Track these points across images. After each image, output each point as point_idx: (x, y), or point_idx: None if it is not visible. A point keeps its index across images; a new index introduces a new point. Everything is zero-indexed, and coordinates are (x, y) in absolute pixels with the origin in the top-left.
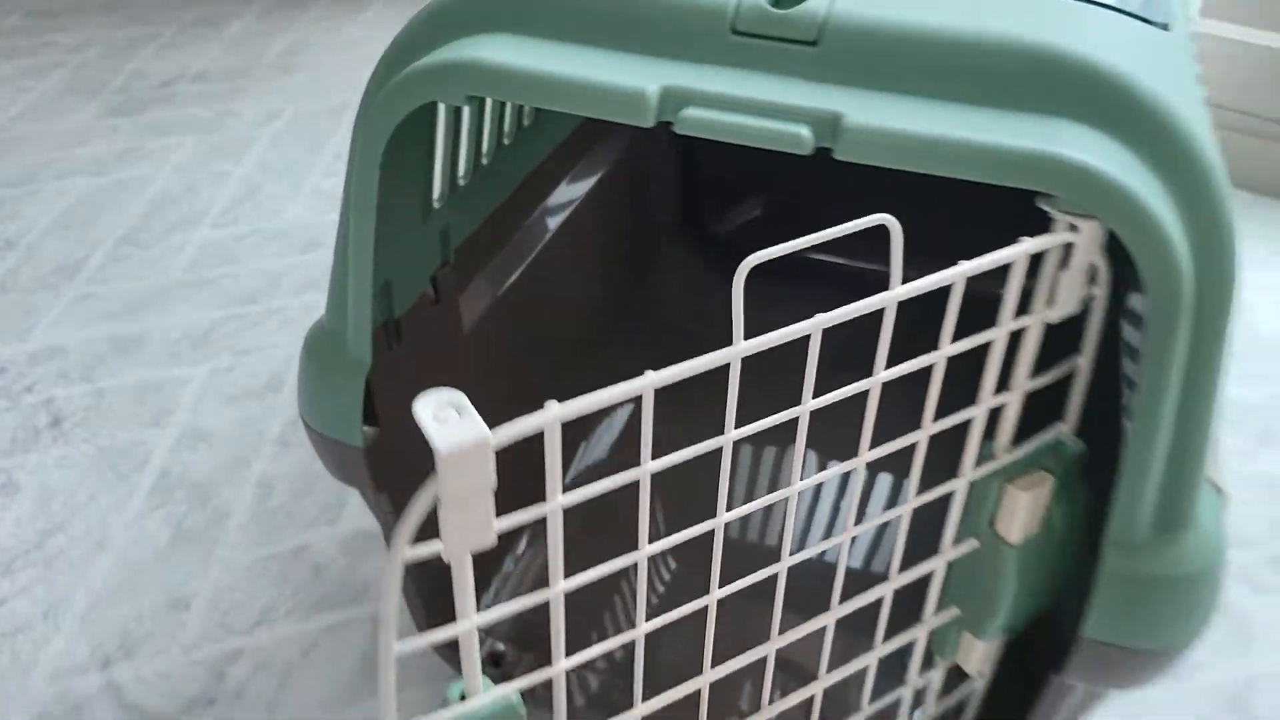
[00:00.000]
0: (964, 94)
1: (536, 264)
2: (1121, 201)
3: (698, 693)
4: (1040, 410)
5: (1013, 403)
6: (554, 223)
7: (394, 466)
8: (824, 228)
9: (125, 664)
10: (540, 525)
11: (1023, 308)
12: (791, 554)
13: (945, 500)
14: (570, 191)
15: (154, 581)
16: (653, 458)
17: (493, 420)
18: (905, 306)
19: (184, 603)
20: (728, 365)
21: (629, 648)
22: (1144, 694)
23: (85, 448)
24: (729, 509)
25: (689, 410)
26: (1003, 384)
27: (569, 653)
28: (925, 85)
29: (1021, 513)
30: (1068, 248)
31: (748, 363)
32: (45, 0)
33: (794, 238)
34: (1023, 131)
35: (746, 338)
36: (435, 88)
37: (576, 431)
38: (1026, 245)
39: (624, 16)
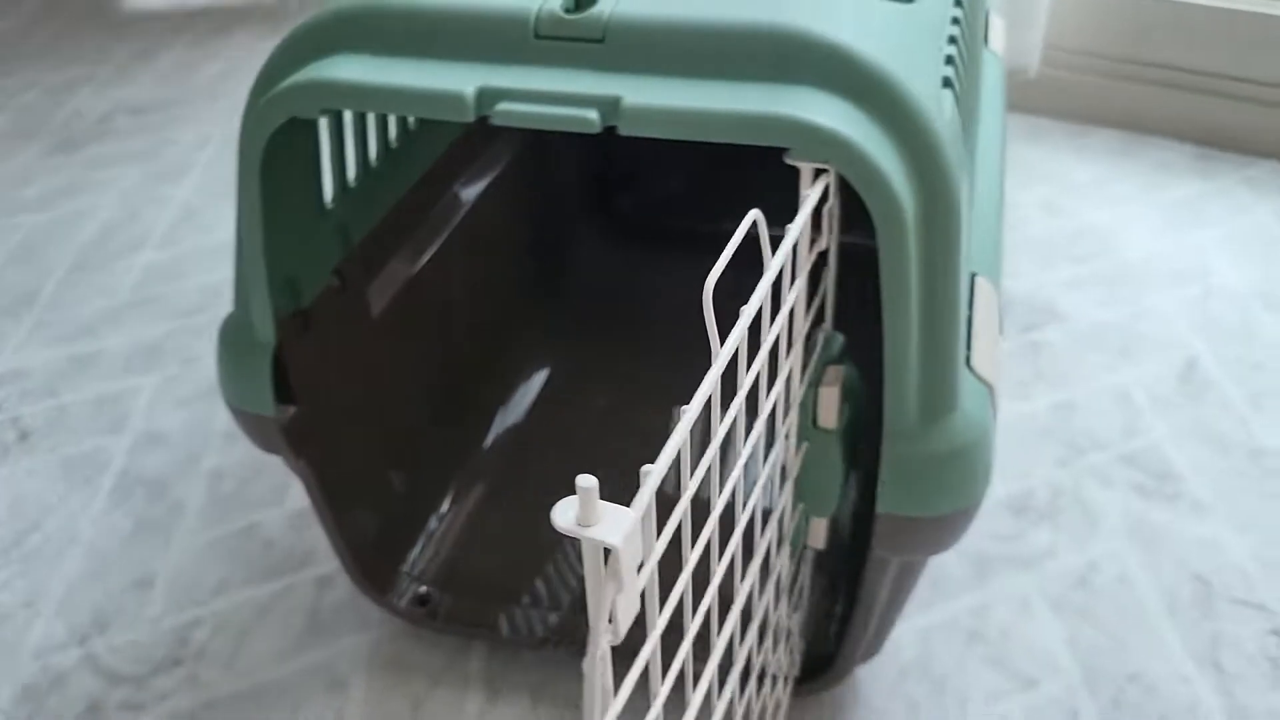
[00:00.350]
0: (724, 72)
1: (444, 251)
2: (844, 150)
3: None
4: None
5: (798, 322)
6: (459, 211)
7: (311, 437)
8: (719, 200)
9: (99, 638)
10: (461, 489)
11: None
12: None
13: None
14: (476, 180)
15: (121, 566)
16: (578, 426)
17: (407, 398)
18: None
19: (149, 582)
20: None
21: (557, 587)
22: (997, 583)
23: (51, 457)
24: (657, 469)
25: (614, 380)
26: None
27: (506, 595)
28: (693, 68)
29: (835, 402)
30: (825, 193)
31: (658, 336)
32: None
33: (697, 214)
34: (768, 99)
35: (650, 300)
36: (293, 105)
37: (495, 396)
38: (799, 220)
39: (447, 30)
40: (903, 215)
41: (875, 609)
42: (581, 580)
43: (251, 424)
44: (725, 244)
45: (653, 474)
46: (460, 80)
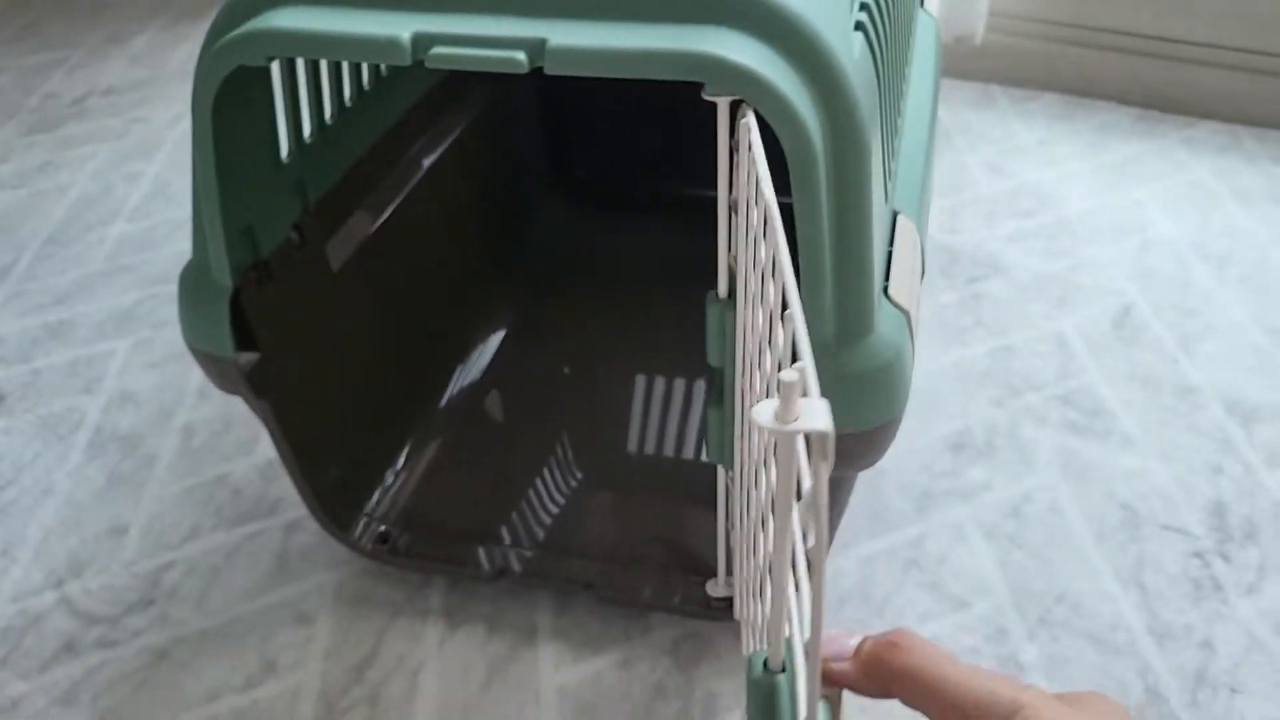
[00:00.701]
0: (644, 14)
1: (402, 211)
2: (753, 83)
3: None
4: None
5: (721, 254)
6: (418, 173)
7: (272, 381)
8: (676, 166)
9: (75, 582)
10: (417, 444)
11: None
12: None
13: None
14: (435, 144)
15: (95, 516)
16: (532, 384)
17: (366, 352)
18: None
19: (122, 529)
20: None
21: (550, 529)
22: (935, 515)
23: (27, 417)
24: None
25: (570, 342)
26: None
27: (462, 534)
28: (614, 11)
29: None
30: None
31: (616, 299)
32: None
33: (654, 179)
34: (684, 38)
35: (609, 263)
36: (240, 54)
37: (453, 356)
38: (724, 152)
39: None
40: (811, 144)
41: None
42: (553, 519)
43: (212, 366)
44: (684, 209)
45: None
46: (396, 26)
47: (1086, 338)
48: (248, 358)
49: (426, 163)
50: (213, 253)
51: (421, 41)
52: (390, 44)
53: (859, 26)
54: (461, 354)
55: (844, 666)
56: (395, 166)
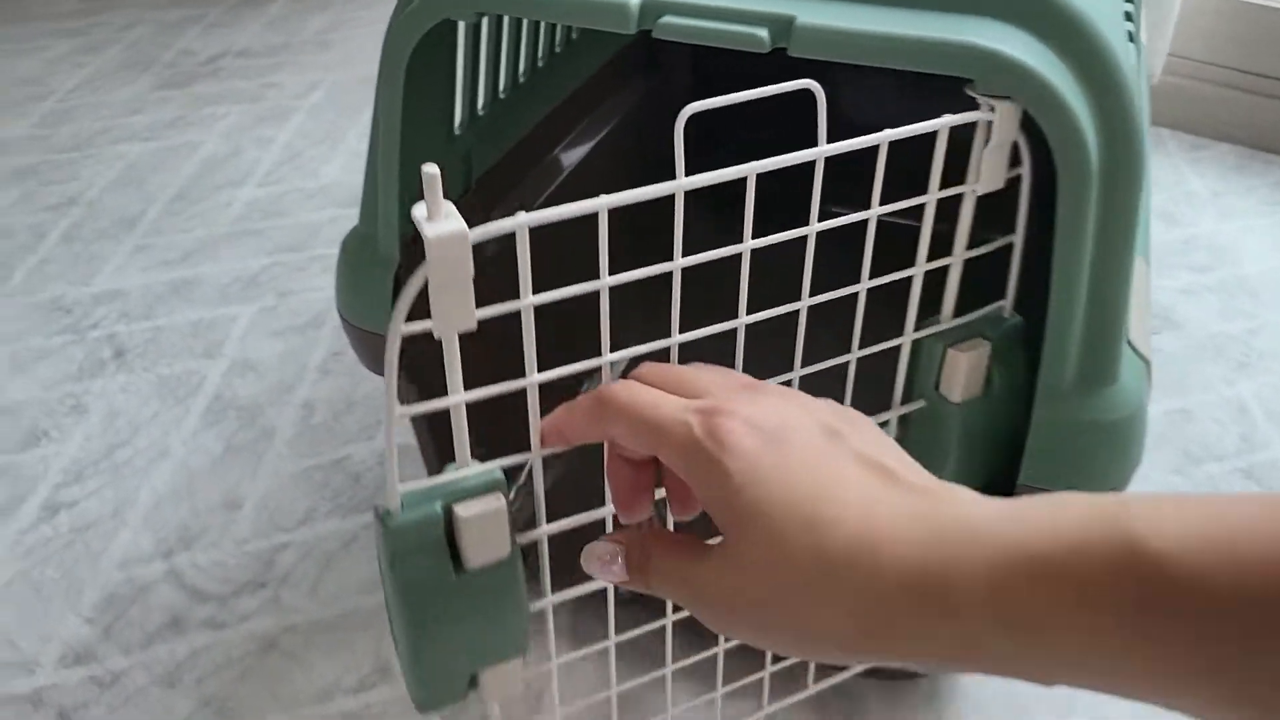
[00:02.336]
0: (903, 1)
1: (556, 198)
2: (1030, 82)
3: None
4: (985, 288)
5: (953, 271)
6: (573, 160)
7: (423, 362)
8: (822, 184)
9: (184, 554)
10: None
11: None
12: None
13: (894, 370)
14: (590, 131)
15: (209, 486)
16: (612, 348)
17: (510, 343)
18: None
19: (236, 504)
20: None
21: None
22: None
23: (146, 376)
24: None
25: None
26: (943, 258)
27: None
28: None
29: (962, 374)
30: (990, 128)
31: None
32: None
33: (794, 182)
34: (948, 27)
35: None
36: (449, 6)
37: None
38: (948, 118)
39: None
40: (1088, 163)
41: None
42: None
43: (366, 342)
44: (825, 217)
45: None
46: None
47: (1268, 408)
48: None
49: (580, 152)
50: (382, 222)
51: (651, 8)
52: (617, 9)
53: (1130, 38)
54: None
55: (561, 416)
56: (551, 152)
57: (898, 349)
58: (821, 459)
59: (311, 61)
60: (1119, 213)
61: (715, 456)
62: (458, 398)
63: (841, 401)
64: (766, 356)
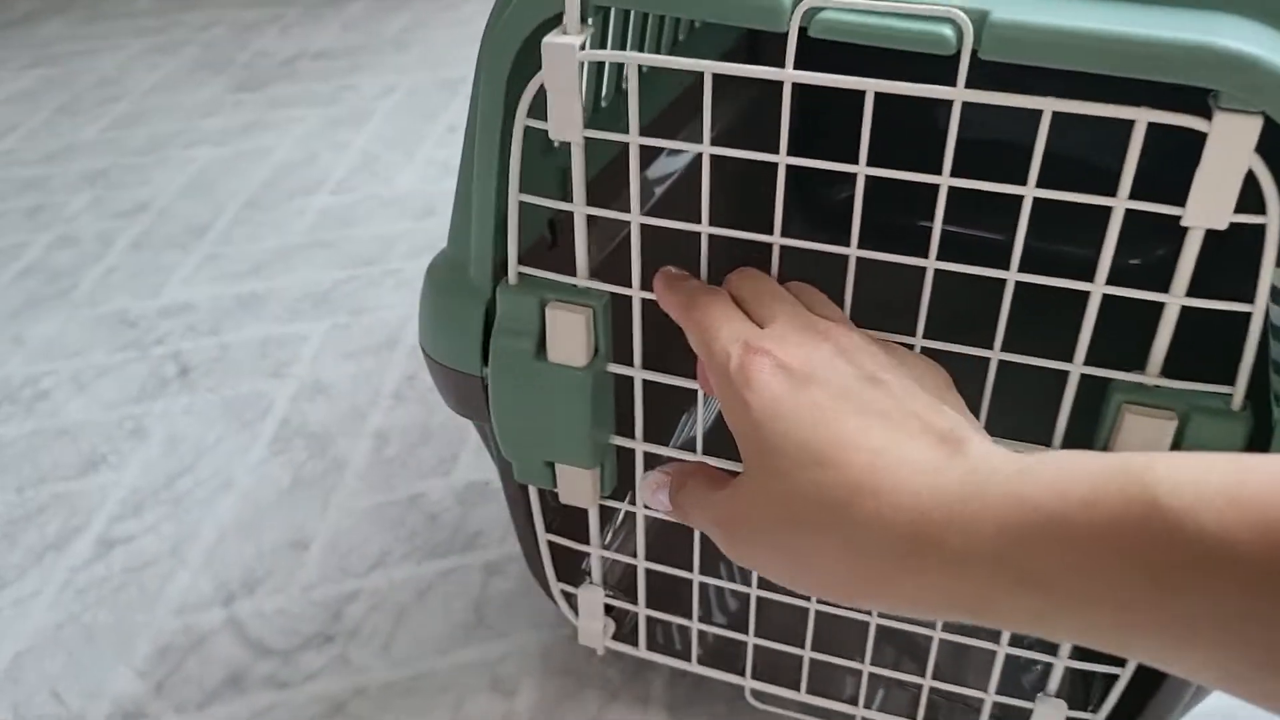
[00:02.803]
0: None
1: (666, 199)
2: None
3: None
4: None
5: (1168, 313)
6: (669, 178)
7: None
8: (928, 199)
9: (247, 600)
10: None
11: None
12: None
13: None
14: (685, 149)
15: (275, 523)
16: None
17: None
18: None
19: (303, 544)
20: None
21: (743, 596)
22: None
23: (210, 397)
24: None
25: None
26: (1143, 315)
27: (678, 608)
28: None
29: (1134, 443)
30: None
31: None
32: None
33: (899, 209)
34: (1178, 24)
35: (856, 300)
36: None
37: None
38: (1147, 113)
39: None
40: None
41: None
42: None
43: (452, 382)
44: (928, 240)
45: None
46: None
47: None
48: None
49: (678, 167)
50: (475, 250)
51: (807, 1)
52: (765, 3)
53: None
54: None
55: (666, 291)
56: (649, 166)
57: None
58: (845, 406)
59: (389, 63)
60: None
61: (740, 391)
62: (582, 208)
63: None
64: None
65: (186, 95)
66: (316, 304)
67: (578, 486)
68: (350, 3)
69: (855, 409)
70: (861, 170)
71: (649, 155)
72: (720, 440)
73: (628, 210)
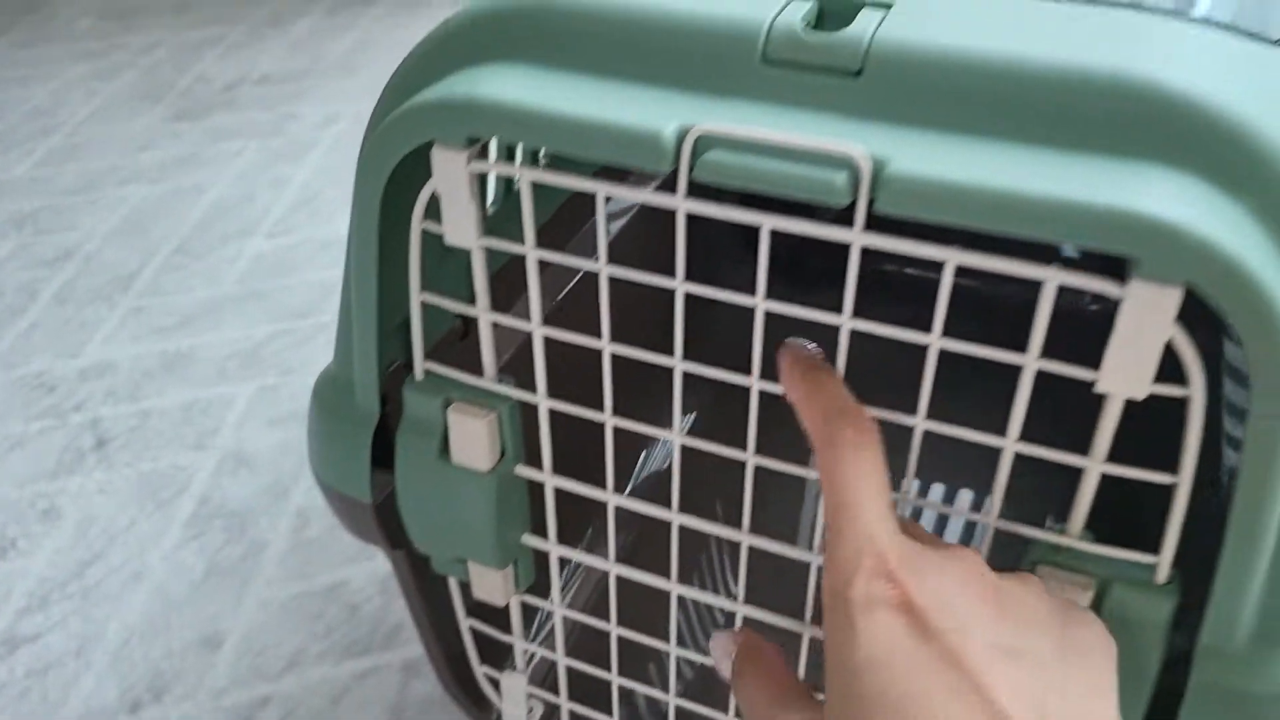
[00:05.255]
0: (1031, 134)
1: (579, 291)
2: (1222, 270)
3: None
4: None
5: (1088, 481)
6: (598, 248)
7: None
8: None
9: (153, 707)
10: (592, 547)
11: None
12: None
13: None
14: (639, 191)
15: (187, 618)
16: (713, 474)
17: (529, 466)
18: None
19: (215, 642)
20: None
21: (686, 675)
22: None
23: (128, 472)
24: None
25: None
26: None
27: (607, 703)
28: (984, 123)
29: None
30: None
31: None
32: (119, 1)
33: (878, 257)
34: (1099, 180)
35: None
36: (433, 128)
37: (638, 440)
38: (1058, 275)
39: (643, 42)
40: None
41: None
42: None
43: (343, 507)
44: (884, 287)
45: None
46: (657, 115)
47: None
48: (384, 484)
49: (609, 233)
50: (359, 372)
51: (690, 141)
52: (646, 142)
53: None
54: (648, 437)
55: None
56: (575, 237)
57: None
58: (963, 683)
59: (335, 89)
60: None
61: (853, 616)
62: (486, 314)
63: None
64: None
65: (123, 126)
66: (244, 363)
67: (489, 584)
68: (296, 21)
69: (965, 690)
70: (760, 304)
71: (588, 206)
72: (689, 468)
73: (547, 299)
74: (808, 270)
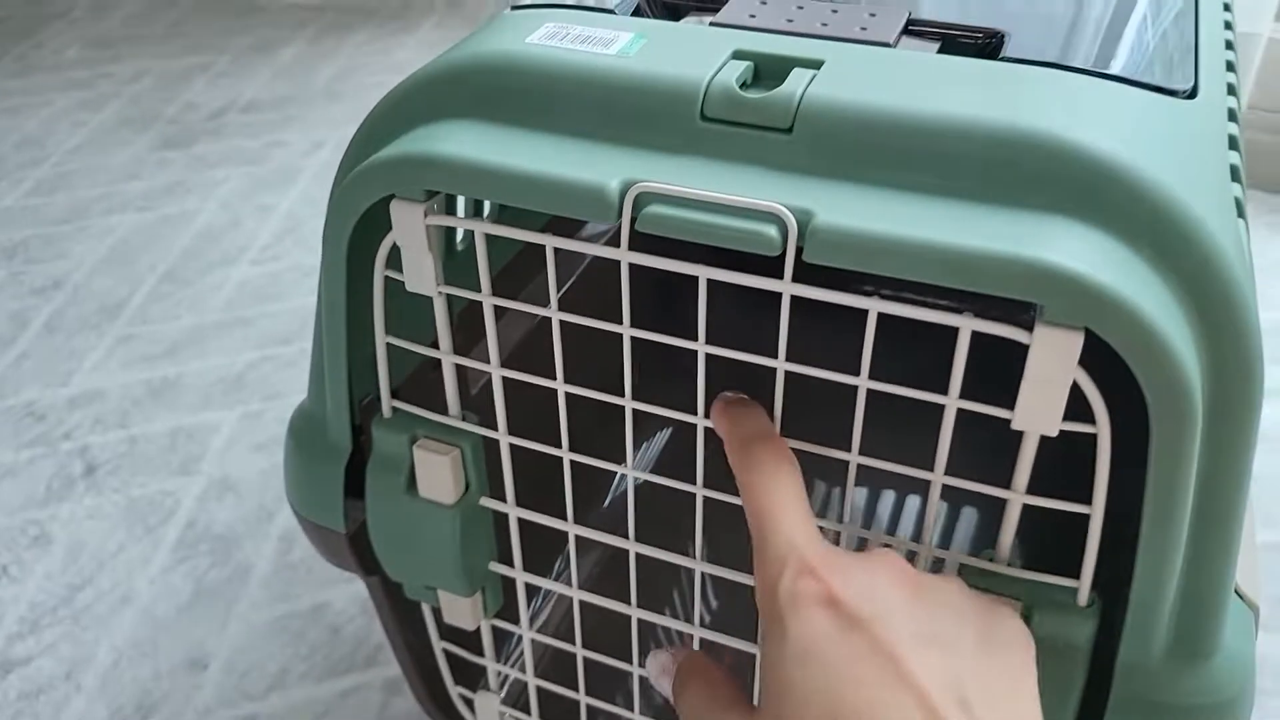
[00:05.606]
0: (947, 187)
1: (548, 321)
2: (1118, 314)
3: None
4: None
5: (1010, 512)
6: (573, 270)
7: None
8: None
9: None
10: (561, 575)
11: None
12: None
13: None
14: (586, 244)
15: (175, 639)
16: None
17: (499, 492)
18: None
19: (202, 663)
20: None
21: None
22: None
23: (116, 498)
24: None
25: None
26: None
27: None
28: (906, 177)
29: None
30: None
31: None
32: (104, 29)
33: (826, 280)
34: (1007, 232)
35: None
36: (392, 182)
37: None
38: (970, 322)
39: (591, 100)
40: (1189, 405)
41: None
42: None
43: (317, 536)
44: (850, 311)
45: None
46: (603, 170)
47: None
48: (357, 514)
49: (578, 263)
50: (331, 408)
51: (634, 195)
52: (591, 195)
53: (1239, 210)
54: (603, 487)
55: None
56: (544, 269)
57: None
58: (887, 669)
59: (320, 115)
60: (1228, 460)
61: (783, 613)
62: (449, 356)
63: None
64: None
65: (110, 155)
66: (229, 389)
67: (458, 610)
68: (282, 49)
69: (894, 679)
70: (701, 348)
71: (534, 265)
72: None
73: (519, 326)
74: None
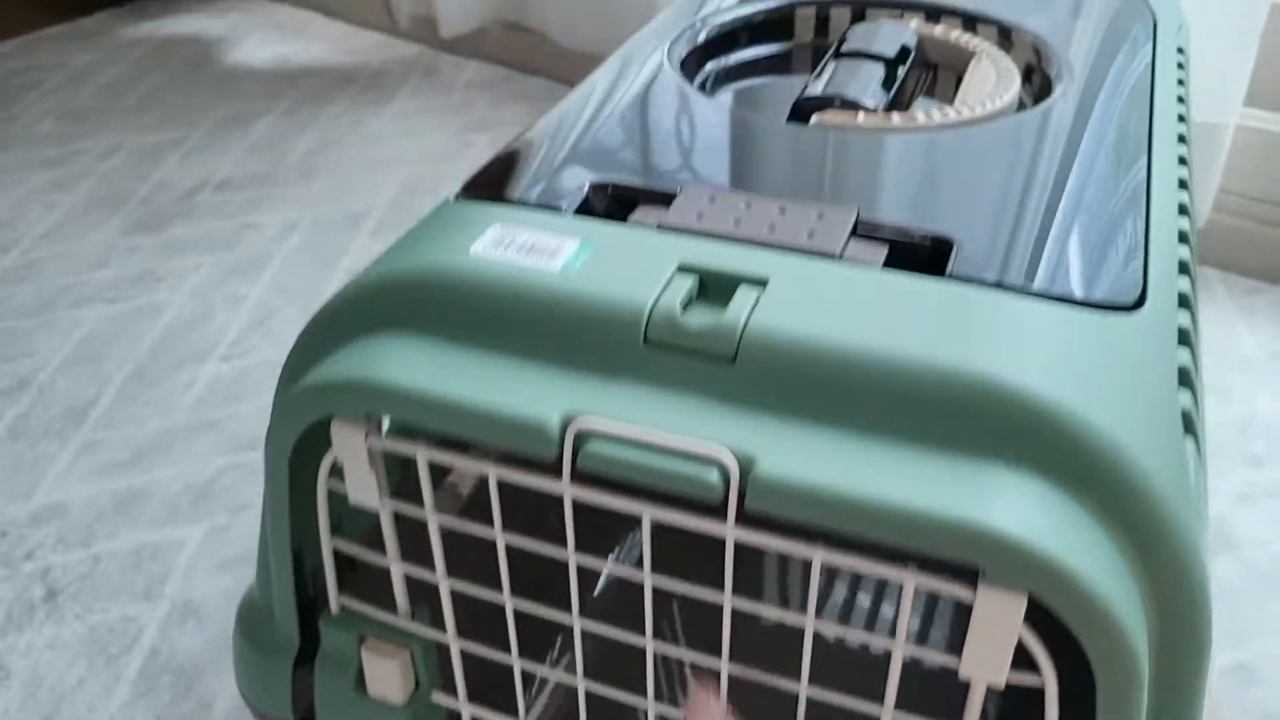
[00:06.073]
0: (893, 427)
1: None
2: (1059, 581)
3: None
4: None
5: None
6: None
7: None
8: None
9: None
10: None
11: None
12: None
13: None
14: (529, 476)
15: None
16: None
17: (481, 633)
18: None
19: None
20: None
21: None
22: None
23: (77, 625)
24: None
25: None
26: None
27: None
28: (849, 415)
29: None
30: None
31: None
32: (78, 101)
33: (731, 552)
34: (952, 484)
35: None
36: (330, 405)
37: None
38: (916, 577)
39: (533, 320)
40: (1137, 666)
41: None
42: None
43: None
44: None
45: None
46: (541, 400)
47: None
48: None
49: (501, 516)
50: (278, 602)
51: (573, 431)
52: (532, 431)
53: (1187, 425)
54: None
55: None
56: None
57: None
58: None
59: (293, 194)
60: (1177, 703)
61: None
62: (398, 565)
63: None
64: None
65: (80, 240)
66: (195, 500)
67: None
68: (257, 121)
69: None
70: (648, 578)
71: None
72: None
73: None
74: None
